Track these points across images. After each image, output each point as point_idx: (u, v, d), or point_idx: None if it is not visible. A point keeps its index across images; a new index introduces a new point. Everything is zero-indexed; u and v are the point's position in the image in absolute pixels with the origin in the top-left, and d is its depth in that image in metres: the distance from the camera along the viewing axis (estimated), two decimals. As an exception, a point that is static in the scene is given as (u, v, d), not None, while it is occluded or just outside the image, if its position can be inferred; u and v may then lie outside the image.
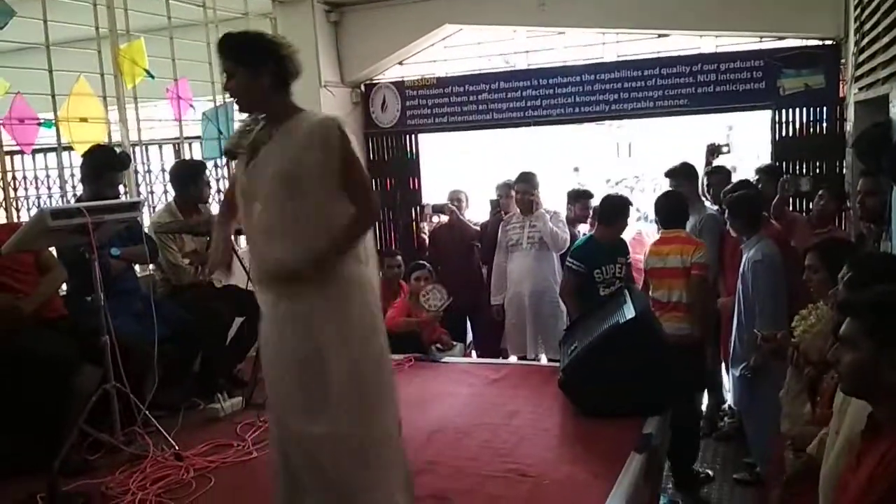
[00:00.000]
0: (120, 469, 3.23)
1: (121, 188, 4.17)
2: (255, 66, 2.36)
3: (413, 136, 7.15)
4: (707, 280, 4.41)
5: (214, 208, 4.86)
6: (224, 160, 6.03)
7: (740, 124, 7.10)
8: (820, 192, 4.73)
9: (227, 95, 2.49)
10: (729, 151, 5.51)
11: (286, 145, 2.36)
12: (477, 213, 6.38)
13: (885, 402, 1.78)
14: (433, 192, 7.00)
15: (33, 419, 3.28)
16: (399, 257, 5.48)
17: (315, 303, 2.37)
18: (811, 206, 5.14)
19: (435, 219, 6.46)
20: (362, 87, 7.15)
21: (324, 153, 2.32)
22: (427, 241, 6.66)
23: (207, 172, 4.76)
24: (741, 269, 4.16)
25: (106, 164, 3.96)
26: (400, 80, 7.07)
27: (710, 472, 4.55)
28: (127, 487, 3.05)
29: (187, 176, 4.51)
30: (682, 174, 5.07)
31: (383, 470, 2.42)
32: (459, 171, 7.42)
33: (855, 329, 1.81)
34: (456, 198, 6.13)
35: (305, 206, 2.34)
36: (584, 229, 5.64)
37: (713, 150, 5.46)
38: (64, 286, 3.86)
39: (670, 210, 4.52)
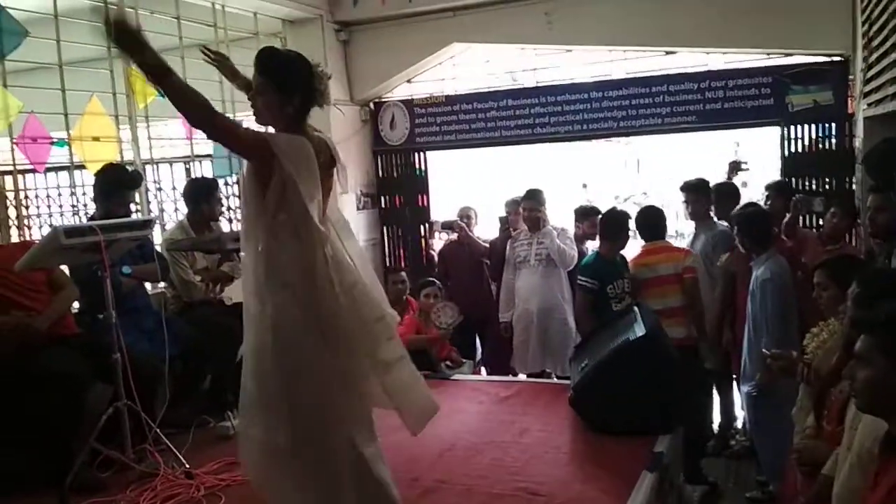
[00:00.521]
0: (130, 487, 3.23)
1: (132, 206, 4.20)
2: (287, 92, 2.37)
3: (422, 153, 7.18)
4: (698, 281, 4.61)
5: (225, 226, 4.89)
6: (235, 178, 6.08)
7: (748, 140, 7.06)
8: (832, 210, 4.72)
9: (250, 105, 2.47)
10: (748, 169, 5.50)
11: None
12: (487, 229, 6.39)
13: None
14: (443, 208, 7.02)
15: (45, 436, 3.29)
16: (403, 273, 5.49)
17: (264, 309, 2.40)
18: (822, 223, 5.12)
19: (444, 235, 6.46)
20: (371, 106, 7.19)
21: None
22: (436, 257, 6.67)
23: (219, 190, 4.79)
24: (751, 287, 4.15)
25: (118, 183, 4.00)
26: (409, 98, 7.12)
27: (716, 482, 4.61)
28: (137, 505, 3.05)
29: (199, 194, 4.54)
30: (698, 189, 5.07)
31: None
32: (469, 188, 7.43)
33: (870, 346, 1.81)
34: (465, 214, 6.14)
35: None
36: (593, 246, 5.63)
37: (734, 167, 5.46)
38: (76, 304, 3.88)
39: (651, 223, 4.71)
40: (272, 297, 2.37)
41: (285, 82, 2.37)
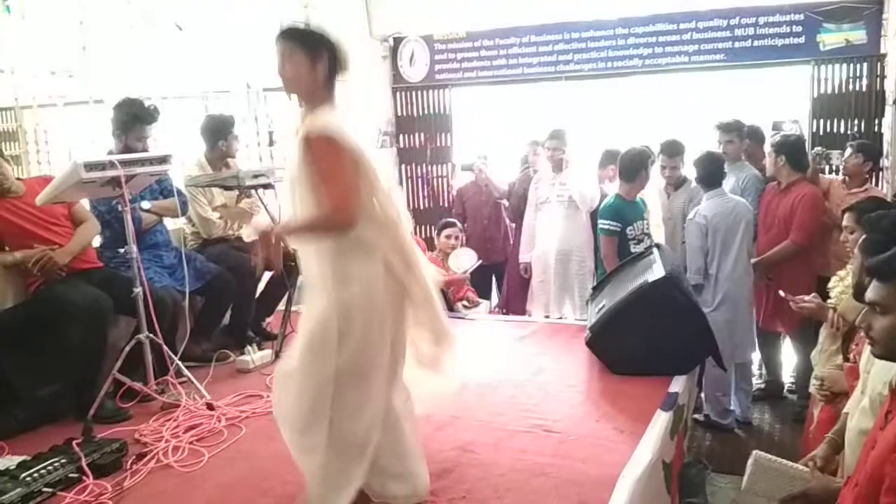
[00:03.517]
0: (153, 417, 3.30)
1: (150, 141, 4.19)
2: (316, 50, 2.32)
3: (443, 90, 7.07)
4: None
5: (242, 163, 4.86)
6: (254, 115, 6.03)
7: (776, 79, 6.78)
8: (852, 153, 4.63)
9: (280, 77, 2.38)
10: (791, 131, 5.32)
11: (295, 143, 2.34)
12: (509, 171, 6.26)
13: None
14: (467, 148, 6.90)
15: (69, 368, 3.37)
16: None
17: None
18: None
19: (467, 176, 6.38)
20: (391, 41, 7.06)
21: (303, 163, 2.28)
22: (455, 198, 6.63)
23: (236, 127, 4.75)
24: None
25: (135, 117, 3.98)
26: (429, 33, 6.97)
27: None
28: (160, 435, 3.11)
29: (217, 130, 4.51)
30: (731, 130, 4.97)
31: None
32: (494, 127, 7.26)
33: (885, 293, 1.77)
34: (484, 155, 6.06)
35: (297, 204, 2.37)
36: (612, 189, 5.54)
37: (775, 127, 5.36)
38: (97, 238, 3.90)
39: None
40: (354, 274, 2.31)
41: (312, 41, 2.34)
